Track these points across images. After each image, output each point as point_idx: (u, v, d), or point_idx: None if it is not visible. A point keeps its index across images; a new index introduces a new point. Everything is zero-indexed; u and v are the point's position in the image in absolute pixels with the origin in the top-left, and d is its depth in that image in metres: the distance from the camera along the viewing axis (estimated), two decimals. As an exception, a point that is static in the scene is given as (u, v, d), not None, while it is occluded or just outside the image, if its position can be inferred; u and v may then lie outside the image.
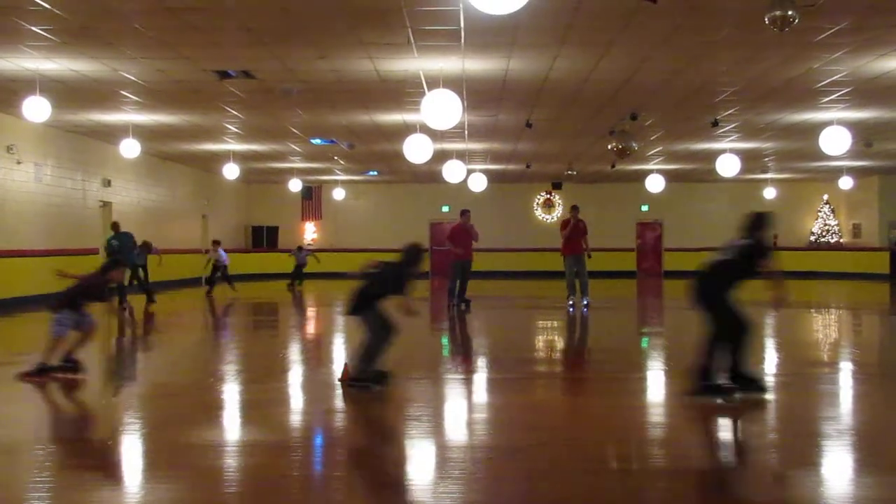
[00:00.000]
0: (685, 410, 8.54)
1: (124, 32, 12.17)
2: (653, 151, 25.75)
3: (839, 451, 6.91)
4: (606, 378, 10.71)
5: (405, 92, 16.04)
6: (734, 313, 8.60)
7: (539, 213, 37.64)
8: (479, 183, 27.20)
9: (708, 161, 25.15)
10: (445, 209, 35.73)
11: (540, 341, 15.34)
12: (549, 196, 37.30)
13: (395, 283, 9.22)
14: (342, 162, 28.77)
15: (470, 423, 8.05)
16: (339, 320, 17.44)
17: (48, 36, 12.20)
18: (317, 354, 13.24)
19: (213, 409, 8.67)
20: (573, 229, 19.96)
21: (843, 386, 10.18)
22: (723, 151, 22.64)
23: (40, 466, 6.48)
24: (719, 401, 8.44)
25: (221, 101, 17.26)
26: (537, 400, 9.30)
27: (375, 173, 32.80)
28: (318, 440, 7.41)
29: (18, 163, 19.88)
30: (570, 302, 19.55)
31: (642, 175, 28.59)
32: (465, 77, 14.71)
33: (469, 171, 25.56)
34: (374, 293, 9.25)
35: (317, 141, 23.27)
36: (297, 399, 9.54)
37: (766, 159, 27.88)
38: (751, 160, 26.43)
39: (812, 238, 36.97)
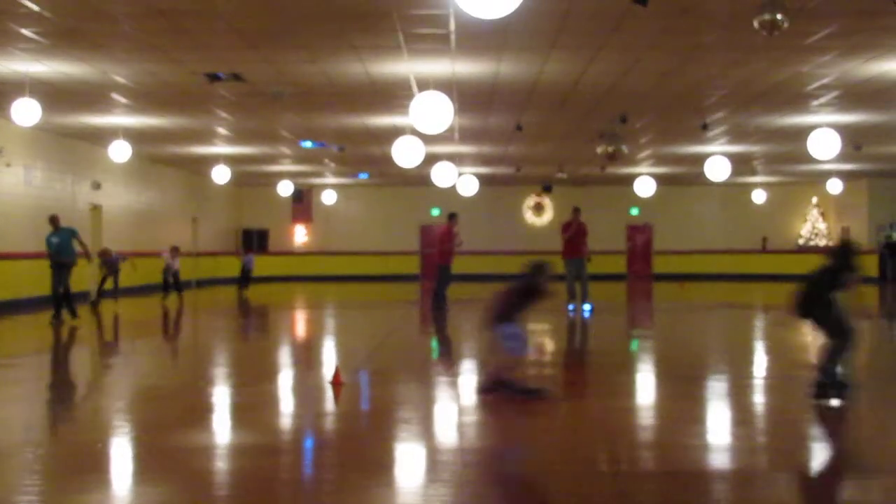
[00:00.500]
0: (676, 412, 8.55)
1: (114, 35, 12.15)
2: (643, 154, 25.80)
3: (827, 454, 6.93)
4: (598, 380, 10.72)
5: (396, 95, 16.05)
6: (838, 319, 8.75)
7: (529, 216, 37.67)
8: (469, 186, 27.21)
9: (698, 164, 25.20)
10: (436, 212, 35.74)
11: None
12: (539, 199, 37.33)
13: None
14: (333, 165, 28.76)
15: (459, 426, 8.05)
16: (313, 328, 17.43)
17: (37, 38, 12.17)
18: (307, 358, 13.22)
19: (202, 411, 8.66)
20: (576, 232, 19.56)
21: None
22: (712, 154, 22.69)
23: (29, 470, 6.46)
24: (836, 401, 8.47)
25: (212, 103, 17.25)
26: (526, 402, 9.29)
27: (366, 176, 32.80)
28: (309, 443, 7.40)
29: (8, 165, 19.83)
30: (571, 307, 19.19)
31: (632, 178, 28.64)
32: (456, 80, 14.72)
33: (459, 175, 25.57)
34: None
35: (307, 144, 23.27)
36: (286, 402, 9.54)
37: (756, 162, 27.95)
38: (740, 163, 26.49)
39: (801, 241, 37.07)
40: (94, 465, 6.57)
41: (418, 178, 30.80)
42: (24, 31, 11.83)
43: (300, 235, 37.71)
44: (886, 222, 33.78)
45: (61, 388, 10.62)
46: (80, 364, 12.97)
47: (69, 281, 17.14)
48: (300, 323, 19.67)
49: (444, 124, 13.73)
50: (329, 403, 8.89)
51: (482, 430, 7.79)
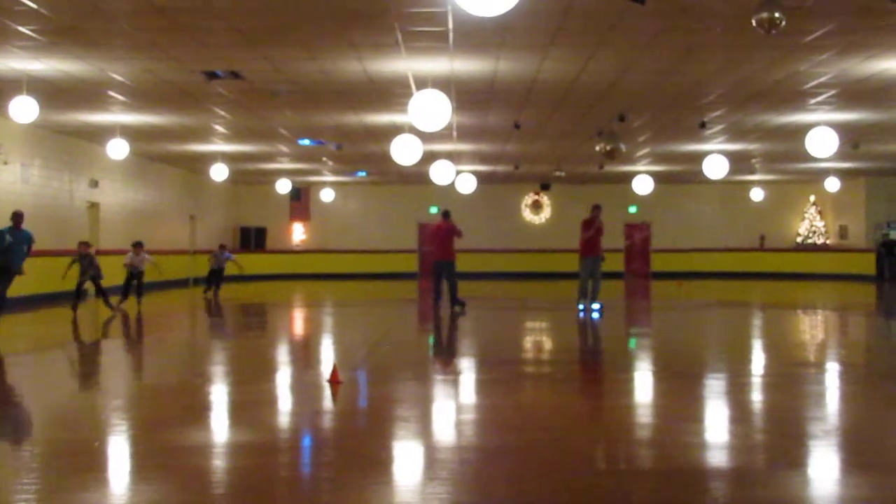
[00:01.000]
0: (674, 411, 8.56)
1: (112, 32, 12.14)
2: (641, 153, 25.80)
3: (826, 451, 6.94)
4: (595, 378, 10.72)
5: (394, 93, 16.05)
6: None
7: (527, 214, 37.68)
8: (467, 184, 27.21)
9: (696, 162, 25.21)
10: (434, 210, 35.76)
11: (529, 342, 15.35)
12: (537, 197, 37.35)
13: None
14: (330, 163, 28.76)
15: (458, 424, 8.06)
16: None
17: (35, 36, 12.16)
18: (304, 356, 13.22)
19: (201, 410, 8.66)
20: (597, 230, 19.19)
21: (829, 386, 10.22)
22: (710, 153, 22.69)
23: (26, 468, 6.46)
24: None
25: (210, 101, 17.25)
26: (525, 400, 9.30)
27: (364, 174, 32.79)
28: (307, 441, 7.40)
29: (5, 163, 19.82)
30: (582, 306, 18.79)
31: (630, 176, 28.64)
32: (454, 78, 14.72)
33: (457, 173, 25.57)
34: None
35: (305, 142, 23.26)
36: (285, 400, 9.53)
37: (754, 161, 27.96)
38: (738, 161, 26.49)
39: (799, 239, 37.11)
40: (92, 464, 6.57)
41: (416, 177, 30.80)
42: (22, 29, 11.82)
43: (298, 233, 37.70)
44: (883, 220, 33.81)
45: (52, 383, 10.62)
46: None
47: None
48: (298, 321, 19.66)
49: (442, 122, 13.72)
50: (327, 401, 8.89)
51: (479, 429, 7.79)
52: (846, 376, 10.94)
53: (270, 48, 13.04)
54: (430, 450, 6.98)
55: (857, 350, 14.11)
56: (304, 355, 13.25)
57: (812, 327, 17.61)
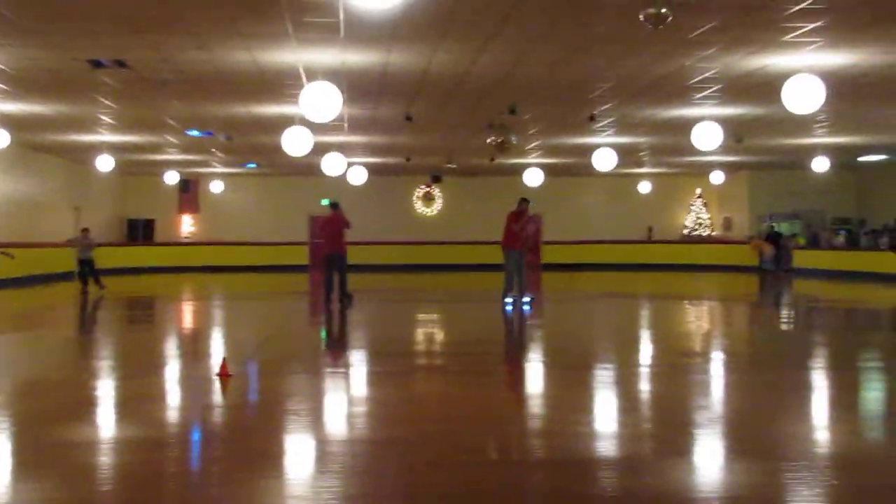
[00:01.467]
0: (563, 401, 8.66)
1: (-9, 19, 11.78)
2: (532, 146, 26.02)
3: (711, 439, 7.09)
4: (487, 370, 10.78)
5: (284, 84, 15.90)
6: None
7: (419, 206, 37.74)
8: (358, 176, 27.11)
9: (586, 155, 25.49)
10: (325, 202, 35.53)
11: (421, 335, 15.38)
12: (428, 189, 37.43)
13: None
14: (220, 154, 28.38)
15: (350, 417, 8.03)
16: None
17: None
18: (193, 350, 13.04)
19: (85, 405, 8.47)
20: (526, 223, 18.95)
21: (713, 375, 10.45)
22: (600, 146, 22.99)
23: None
24: None
25: (94, 90, 16.85)
26: (417, 392, 9.32)
27: (254, 166, 32.44)
28: (196, 436, 7.30)
29: None
30: (510, 299, 18.47)
31: (521, 169, 28.87)
32: (345, 69, 14.64)
33: (349, 164, 25.46)
34: None
35: (194, 133, 22.91)
36: (173, 394, 9.39)
37: (642, 154, 28.44)
38: (627, 155, 26.90)
39: (685, 231, 37.89)
40: (-29, 463, 6.38)
41: (307, 168, 30.56)
42: None
43: (187, 225, 37.14)
44: (766, 213, 34.76)
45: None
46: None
47: None
48: (187, 314, 19.38)
49: (332, 114, 13.62)
50: (216, 395, 8.79)
51: (371, 422, 7.78)
52: (729, 365, 11.21)
53: (157, 37, 12.79)
54: (321, 443, 6.94)
55: (740, 339, 14.46)
56: (193, 349, 13.07)
57: (697, 318, 18.00)
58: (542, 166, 28.86)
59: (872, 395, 9.36)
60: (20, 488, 5.78)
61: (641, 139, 24.61)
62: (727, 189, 35.31)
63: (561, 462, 6.29)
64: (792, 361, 11.43)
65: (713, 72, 15.07)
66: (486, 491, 5.65)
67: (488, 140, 19.35)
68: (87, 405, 8.48)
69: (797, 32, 12.23)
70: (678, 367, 10.76)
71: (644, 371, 10.80)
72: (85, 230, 24.74)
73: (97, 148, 25.37)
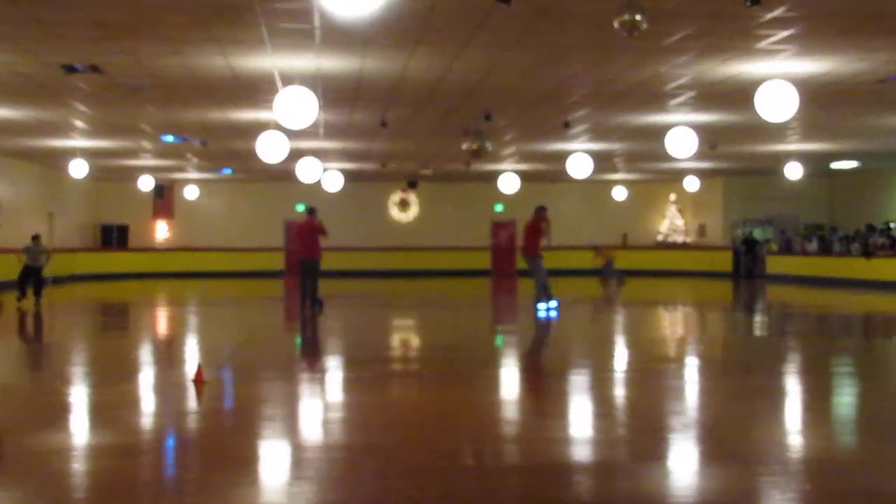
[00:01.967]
0: (538, 407, 8.69)
1: (-37, 23, 11.70)
2: (507, 152, 26.07)
3: (685, 444, 7.13)
4: (461, 376, 10.79)
5: (259, 89, 15.87)
6: None
7: (395, 212, 37.73)
8: (334, 182, 27.09)
9: (561, 161, 25.55)
10: (301, 208, 35.49)
11: (396, 341, 15.38)
12: (404, 195, 37.42)
13: None
14: (195, 160, 28.29)
15: (325, 423, 8.03)
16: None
17: None
18: (168, 356, 12.99)
19: (59, 412, 8.43)
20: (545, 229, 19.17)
21: (688, 380, 10.51)
22: (574, 152, 23.05)
23: None
24: None
25: (68, 96, 16.76)
26: (392, 398, 9.33)
27: (229, 171, 32.35)
28: (170, 442, 7.28)
29: None
30: (549, 305, 18.75)
31: (496, 175, 28.91)
32: (321, 75, 14.63)
33: (324, 170, 25.42)
34: None
35: (168, 138, 22.83)
36: (148, 401, 9.35)
37: (616, 160, 28.54)
38: (601, 161, 26.98)
39: (660, 237, 38.04)
40: (-57, 470, 6.34)
41: (283, 174, 30.50)
42: None
43: (161, 231, 36.99)
44: (740, 219, 34.96)
45: None
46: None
47: None
48: (161, 320, 19.30)
49: (308, 120, 13.60)
50: (191, 402, 8.76)
51: (346, 427, 7.78)
52: (704, 370, 11.28)
53: (131, 42, 12.73)
54: (297, 449, 6.94)
55: (714, 345, 14.54)
56: (168, 355, 13.02)
57: (672, 324, 18.08)
58: (518, 172, 28.90)
59: (844, 399, 9.44)
60: (-7, 496, 5.75)
61: (616, 145, 24.70)
62: (701, 195, 35.47)
63: (536, 468, 6.31)
64: (764, 366, 11.50)
65: (687, 79, 15.15)
66: (461, 497, 5.67)
67: (464, 146, 19.37)
68: (59, 412, 8.44)
69: (770, 40, 12.32)
70: (653, 372, 10.80)
71: (619, 376, 10.84)
72: (36, 237, 23.24)
73: (71, 153, 25.23)
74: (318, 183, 25.70)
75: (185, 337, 15.90)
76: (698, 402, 9.24)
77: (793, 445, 7.16)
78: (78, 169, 25.20)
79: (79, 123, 20.44)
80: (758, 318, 19.80)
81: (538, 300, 18.84)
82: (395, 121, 19.59)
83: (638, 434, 7.46)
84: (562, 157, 24.72)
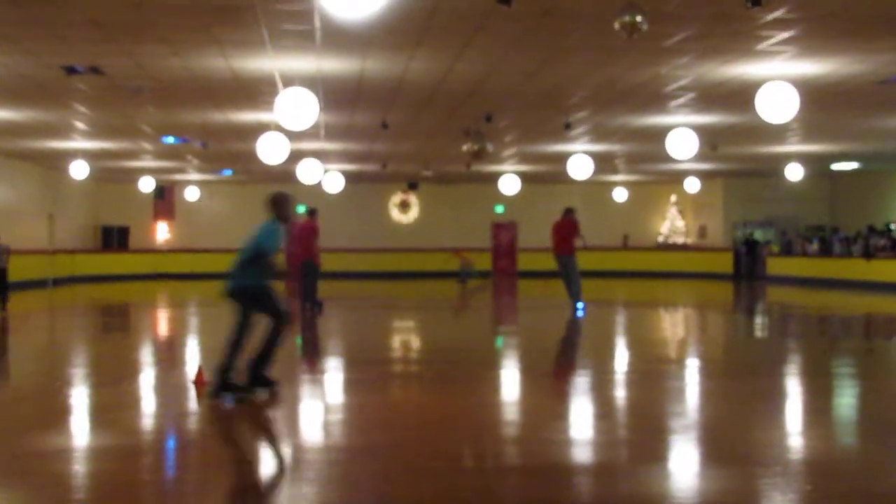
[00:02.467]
0: (539, 408, 8.69)
1: (-35, 24, 11.71)
2: (508, 153, 26.07)
3: (686, 446, 7.13)
4: (463, 377, 10.78)
5: (260, 91, 15.87)
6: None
7: (395, 213, 37.73)
8: (335, 183, 27.09)
9: (561, 163, 25.55)
10: (301, 209, 35.44)
11: (397, 342, 15.38)
12: (405, 196, 37.42)
13: None
14: (196, 161, 28.29)
15: (325, 425, 8.03)
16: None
17: None
18: (169, 357, 12.99)
19: (59, 413, 8.43)
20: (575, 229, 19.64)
21: (689, 382, 10.50)
22: (575, 153, 23.06)
23: None
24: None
25: (69, 97, 16.77)
26: (393, 400, 9.33)
27: (230, 173, 32.36)
28: (171, 443, 7.28)
29: None
30: (583, 304, 19.11)
31: (497, 176, 28.92)
32: (321, 77, 14.63)
33: (325, 172, 25.43)
34: None
35: (169, 139, 22.83)
36: (149, 402, 9.35)
37: (617, 161, 28.54)
38: (602, 162, 26.98)
39: (660, 239, 38.02)
40: (-56, 471, 6.34)
41: (283, 175, 30.50)
42: None
43: (162, 232, 36.99)
44: (741, 220, 34.97)
45: None
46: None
47: None
48: (162, 322, 19.30)
49: (309, 121, 13.62)
50: (192, 403, 8.76)
51: (347, 429, 7.78)
52: (704, 372, 11.27)
53: (132, 43, 12.74)
54: (298, 450, 6.94)
55: (714, 346, 14.54)
56: (169, 357, 13.02)
57: (673, 325, 18.08)
58: (519, 173, 28.91)
59: (845, 401, 9.44)
60: (-6, 497, 5.76)
61: (617, 147, 24.70)
62: (702, 197, 35.46)
63: (536, 468, 6.31)
64: (765, 368, 11.50)
65: (688, 80, 15.15)
66: (461, 498, 5.67)
67: (464, 147, 19.37)
68: (61, 413, 8.44)
69: (771, 42, 12.32)
70: (654, 374, 10.80)
71: (620, 378, 10.84)
72: None
73: (72, 154, 25.25)
74: (319, 184, 25.70)
75: (185, 338, 15.90)
76: (699, 403, 9.24)
77: (793, 447, 7.16)
78: (78, 170, 25.22)
79: (79, 125, 20.45)
80: (758, 320, 19.80)
81: (578, 299, 19.09)
82: (396, 122, 19.59)
83: (639, 435, 7.46)
84: (562, 158, 24.71)
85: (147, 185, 32.05)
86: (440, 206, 37.13)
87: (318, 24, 11.49)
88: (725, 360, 12.91)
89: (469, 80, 15.17)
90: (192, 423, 8.12)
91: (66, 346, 14.90)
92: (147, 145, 24.16)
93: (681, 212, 37.70)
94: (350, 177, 30.57)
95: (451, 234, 36.24)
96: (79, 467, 6.51)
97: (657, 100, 17.07)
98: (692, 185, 32.20)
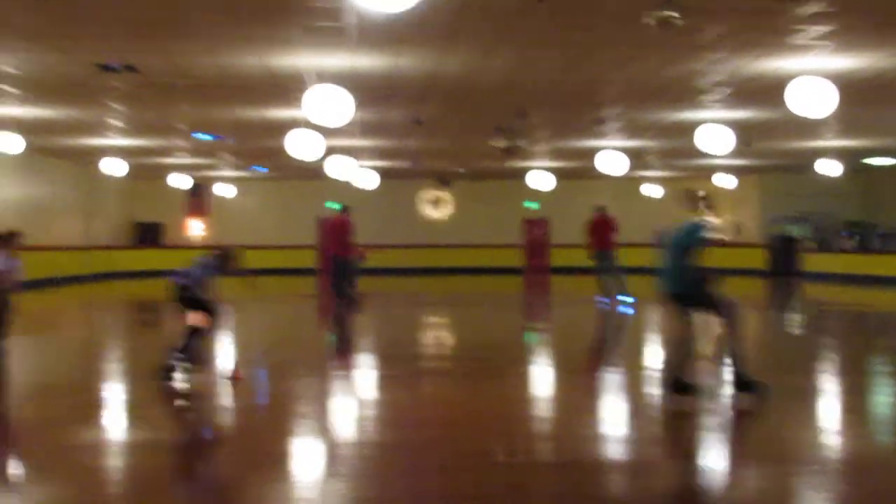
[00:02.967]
0: (570, 403, 8.66)
1: (2, 23, 11.81)
2: (540, 149, 26.02)
3: (720, 443, 7.09)
4: (493, 373, 10.78)
5: (293, 88, 15.91)
6: None
7: (427, 209, 37.74)
8: (367, 179, 27.14)
9: (594, 158, 25.49)
10: (333, 206, 35.52)
11: (428, 338, 15.39)
12: (437, 193, 37.42)
13: None
14: (229, 158, 28.42)
15: (358, 420, 8.05)
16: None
17: (-79, 26, 11.79)
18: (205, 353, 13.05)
19: (95, 408, 8.49)
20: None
21: (723, 379, 10.43)
22: (607, 149, 22.97)
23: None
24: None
25: (104, 95, 16.89)
26: (424, 396, 9.33)
27: (263, 169, 32.49)
28: (206, 438, 7.32)
29: None
30: (629, 299, 19.60)
31: (529, 172, 28.89)
32: (355, 73, 14.66)
33: (358, 168, 25.48)
34: None
35: (202, 136, 22.94)
36: (184, 397, 9.41)
37: (650, 157, 28.41)
38: (635, 158, 26.86)
39: (693, 235, 37.74)
40: (-18, 465, 6.41)
41: (316, 172, 30.60)
42: None
43: (195, 229, 37.20)
44: (776, 216, 34.67)
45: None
46: None
47: None
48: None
49: (342, 118, 13.65)
50: (227, 398, 8.80)
51: (379, 425, 7.79)
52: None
53: (166, 41, 12.82)
54: (330, 446, 6.96)
55: (750, 343, 14.42)
56: (204, 352, 13.07)
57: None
58: (551, 169, 28.86)
59: (884, 399, 9.35)
60: (33, 491, 5.80)
61: (649, 143, 24.59)
62: (736, 192, 35.24)
63: (568, 465, 6.30)
64: (802, 365, 11.41)
65: (722, 75, 15.06)
66: (493, 494, 5.66)
67: (497, 144, 19.37)
68: (95, 409, 8.51)
69: (807, 35, 12.21)
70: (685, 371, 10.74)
71: (651, 375, 10.79)
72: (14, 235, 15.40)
73: (107, 152, 25.44)
74: (351, 181, 25.77)
75: (220, 334, 15.97)
76: (732, 400, 9.18)
77: (830, 445, 7.10)
78: (113, 167, 25.42)
79: (115, 122, 20.60)
80: (795, 317, 19.64)
81: (622, 293, 19.64)
82: (429, 119, 19.60)
83: (671, 432, 7.42)
84: (595, 154, 24.62)
85: (181, 181, 32.24)
86: (473, 202, 37.11)
87: (351, 20, 11.51)
88: (760, 357, 12.81)
89: (502, 75, 15.15)
90: (228, 419, 8.16)
91: (102, 341, 15.01)
92: (181, 142, 24.30)
93: (714, 208, 37.44)
94: (383, 173, 30.63)
95: (484, 231, 36.21)
96: (115, 462, 6.56)
97: (691, 95, 16.97)
98: (724, 181, 31.99)
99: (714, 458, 6.68)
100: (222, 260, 9.70)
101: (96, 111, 18.96)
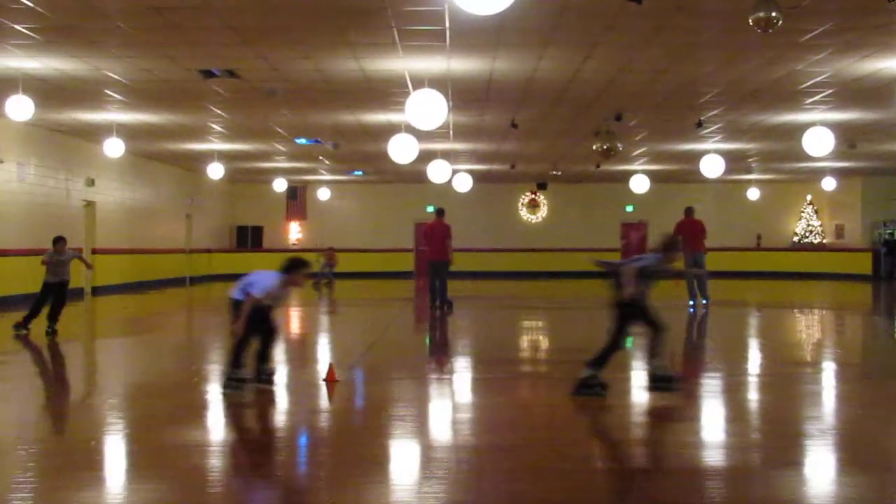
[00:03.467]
0: (668, 410, 8.56)
1: (108, 31, 12.12)
2: (637, 152, 25.80)
3: (822, 451, 6.94)
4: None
5: (390, 92, 16.03)
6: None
7: (524, 213, 37.67)
8: (464, 183, 27.20)
9: (692, 161, 25.21)
10: (430, 209, 35.71)
11: (524, 342, 15.34)
12: (534, 196, 37.34)
13: None
14: (327, 162, 28.74)
15: (454, 423, 8.05)
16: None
17: (32, 34, 12.14)
18: (301, 355, 13.21)
19: (194, 409, 8.64)
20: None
21: (825, 385, 10.22)
22: (707, 152, 22.69)
23: (23, 467, 6.45)
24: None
25: (206, 100, 17.23)
26: (521, 399, 9.31)
27: (360, 173, 32.78)
28: (303, 440, 7.40)
29: (1, 162, 19.78)
30: (693, 302, 19.55)
31: (627, 175, 28.65)
32: (451, 77, 14.71)
33: (454, 171, 25.56)
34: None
35: (301, 141, 23.24)
36: (281, 399, 9.52)
37: (750, 160, 27.97)
38: (735, 161, 26.49)
39: (795, 239, 37.10)
40: (88, 463, 6.56)
41: (412, 175, 30.80)
42: (19, 27, 11.80)
43: (294, 232, 37.66)
44: (880, 220, 33.82)
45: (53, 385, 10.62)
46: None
47: None
48: (294, 320, 19.63)
49: (438, 121, 13.72)
50: (323, 400, 8.89)
51: (475, 428, 7.79)
52: (841, 375, 10.94)
53: (267, 47, 13.03)
54: (427, 448, 6.98)
55: (852, 349, 14.11)
56: (301, 354, 13.24)
57: (808, 326, 17.62)
58: (648, 172, 28.60)
59: None
60: (133, 489, 5.93)
61: (750, 145, 24.21)
62: (839, 195, 34.50)
63: (666, 471, 6.22)
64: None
65: (825, 76, 14.76)
66: (589, 499, 5.62)
67: (594, 147, 19.24)
68: (195, 409, 8.65)
69: (913, 35, 11.91)
70: (789, 377, 10.55)
71: (753, 380, 10.61)
72: (60, 240, 15.25)
73: (208, 156, 25.94)
74: (448, 184, 25.84)
75: (317, 337, 16.14)
76: (835, 407, 8.98)
77: (936, 454, 6.90)
78: (215, 171, 25.91)
79: (216, 127, 20.98)
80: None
81: (705, 297, 19.51)
82: (525, 121, 19.57)
83: (772, 439, 7.29)
84: (693, 157, 24.37)
85: (280, 185, 32.69)
86: (569, 205, 36.95)
87: (447, 24, 11.55)
88: (864, 363, 12.52)
89: (599, 78, 15.06)
90: (324, 420, 8.24)
91: (202, 343, 15.28)
92: (280, 146, 24.65)
93: (816, 211, 36.71)
94: (478, 176, 30.66)
95: (580, 234, 36.03)
96: (214, 461, 6.67)
97: (792, 97, 16.68)
98: (829, 184, 31.35)
99: (815, 467, 6.54)
100: (289, 270, 9.70)
101: (198, 116, 19.34)
